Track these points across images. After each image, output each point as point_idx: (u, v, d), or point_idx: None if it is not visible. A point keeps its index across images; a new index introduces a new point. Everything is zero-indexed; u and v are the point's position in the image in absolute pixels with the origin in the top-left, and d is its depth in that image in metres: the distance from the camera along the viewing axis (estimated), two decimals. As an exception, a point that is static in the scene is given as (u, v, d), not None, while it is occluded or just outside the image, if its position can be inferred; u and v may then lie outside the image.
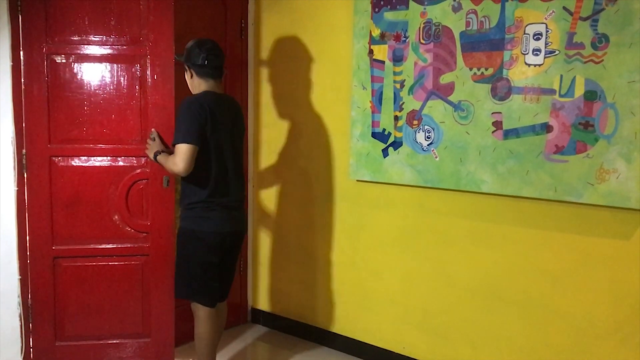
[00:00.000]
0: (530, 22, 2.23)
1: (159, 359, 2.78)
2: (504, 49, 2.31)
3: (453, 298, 2.61)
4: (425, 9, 2.53)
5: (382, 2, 2.67)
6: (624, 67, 2.02)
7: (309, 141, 3.13)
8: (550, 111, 2.21)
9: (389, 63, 2.68)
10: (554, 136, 2.21)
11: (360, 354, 2.98)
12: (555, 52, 2.18)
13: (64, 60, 2.59)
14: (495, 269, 2.46)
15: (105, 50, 2.61)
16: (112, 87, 2.63)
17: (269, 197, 3.37)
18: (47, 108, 2.58)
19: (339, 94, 2.94)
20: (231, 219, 2.41)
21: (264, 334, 3.37)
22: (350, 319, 3.03)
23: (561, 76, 2.17)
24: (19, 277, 2.64)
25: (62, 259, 2.67)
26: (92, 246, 2.69)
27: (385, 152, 2.73)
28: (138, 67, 2.64)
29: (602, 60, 2.07)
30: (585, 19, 2.10)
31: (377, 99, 2.73)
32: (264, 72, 3.32)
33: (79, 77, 2.61)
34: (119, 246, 2.71)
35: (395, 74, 2.66)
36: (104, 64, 2.62)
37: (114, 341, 2.76)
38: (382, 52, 2.69)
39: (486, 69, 2.37)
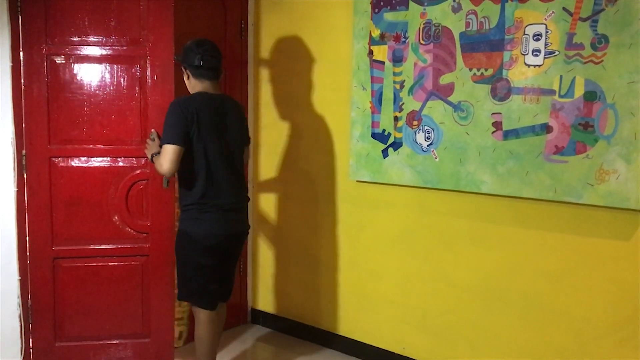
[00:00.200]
0: (530, 22, 2.23)
1: (158, 359, 2.79)
2: (504, 49, 2.31)
3: (453, 298, 2.61)
4: (425, 9, 2.53)
5: (382, 3, 2.67)
6: (623, 67, 2.02)
7: (308, 142, 3.13)
8: (550, 112, 2.21)
9: (388, 64, 2.68)
10: (554, 137, 2.21)
11: (360, 354, 2.98)
12: (555, 52, 2.18)
13: (63, 61, 2.59)
14: (495, 269, 2.46)
15: (105, 51, 2.61)
16: (111, 88, 2.63)
17: (268, 198, 3.37)
18: (46, 109, 2.58)
19: (339, 95, 2.94)
20: (227, 221, 2.38)
21: (264, 334, 3.37)
22: (350, 320, 3.03)
23: (561, 77, 2.17)
24: (19, 277, 2.64)
25: (61, 259, 2.66)
26: (92, 247, 2.69)
27: (385, 153, 2.73)
28: (138, 68, 2.64)
29: (602, 60, 2.07)
30: (585, 20, 2.10)
31: (377, 99, 2.73)
32: (264, 73, 3.32)
33: (78, 77, 2.61)
34: (119, 247, 2.71)
35: (395, 74, 2.66)
36: (103, 64, 2.62)
37: (114, 341, 2.75)
38: (381, 52, 2.70)
39: (486, 70, 2.37)
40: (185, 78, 2.44)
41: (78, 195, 2.65)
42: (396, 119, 2.68)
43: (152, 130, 2.58)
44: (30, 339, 2.68)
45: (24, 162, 2.59)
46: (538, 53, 2.22)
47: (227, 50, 3.13)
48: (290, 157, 3.23)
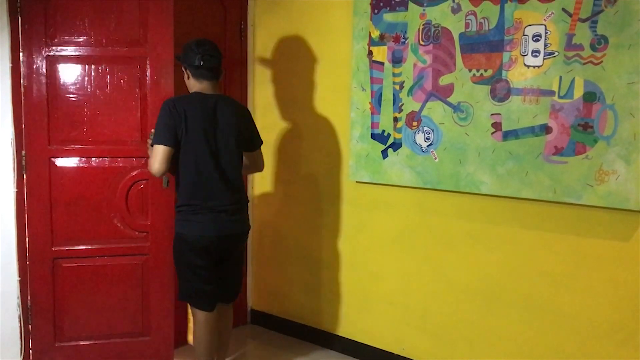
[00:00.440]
0: (529, 23, 2.24)
1: (158, 357, 2.79)
2: (503, 50, 2.31)
3: (452, 299, 2.61)
4: (424, 10, 2.53)
5: (381, 4, 2.67)
6: (623, 68, 2.03)
7: (308, 142, 3.13)
8: (550, 112, 2.21)
9: (388, 64, 2.68)
10: (553, 137, 2.21)
11: (359, 355, 2.98)
12: (554, 53, 2.18)
13: (63, 61, 2.59)
14: (495, 270, 2.46)
15: (104, 51, 2.61)
16: (111, 88, 2.63)
17: (268, 198, 3.37)
18: (46, 109, 2.58)
19: (339, 95, 2.94)
20: (219, 222, 2.34)
21: (264, 335, 3.37)
22: (349, 320, 3.03)
23: (560, 77, 2.17)
24: (19, 278, 2.63)
25: (61, 259, 2.67)
26: (91, 247, 2.69)
27: (384, 154, 2.73)
28: (138, 68, 2.64)
29: (601, 61, 2.07)
30: (584, 21, 2.10)
31: (377, 100, 2.73)
32: (264, 73, 3.32)
33: (78, 78, 2.61)
34: (119, 246, 2.71)
35: (394, 75, 2.66)
36: (103, 65, 2.62)
37: (114, 340, 2.76)
38: (381, 53, 2.70)
39: (485, 71, 2.37)
40: (185, 78, 2.44)
41: (78, 195, 2.65)
42: (396, 119, 2.68)
43: (152, 130, 2.58)
44: (30, 340, 2.68)
45: (23, 163, 2.60)
46: (537, 54, 2.22)
47: (226, 50, 3.13)
48: (290, 158, 3.23)
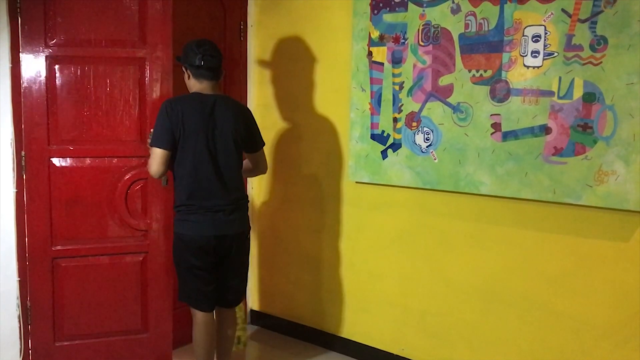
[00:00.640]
0: (529, 24, 2.24)
1: (156, 354, 2.79)
2: (503, 50, 2.31)
3: (452, 300, 2.61)
4: (424, 11, 2.54)
5: (381, 4, 2.67)
6: (622, 69, 2.03)
7: (307, 143, 3.13)
8: (549, 113, 2.21)
9: (388, 65, 2.68)
10: (553, 138, 2.21)
11: (359, 355, 2.98)
12: (553, 54, 2.18)
13: (63, 62, 2.58)
14: (494, 270, 2.46)
15: (104, 51, 2.61)
16: (111, 88, 2.63)
17: (268, 199, 3.37)
18: (46, 109, 2.58)
19: (338, 96, 2.94)
20: (216, 223, 2.33)
21: (263, 335, 3.37)
22: (348, 321, 3.03)
23: (560, 78, 2.17)
24: (18, 278, 2.63)
25: (61, 259, 2.66)
26: (91, 246, 2.69)
27: (384, 154, 2.73)
28: (137, 68, 2.64)
29: (601, 62, 2.07)
30: (583, 21, 2.10)
31: (376, 100, 2.74)
32: (263, 74, 3.32)
33: (78, 78, 2.60)
34: (118, 245, 2.71)
35: (394, 75, 2.66)
36: (103, 65, 2.62)
37: (113, 338, 2.75)
38: (381, 54, 2.70)
39: (485, 71, 2.37)
40: (186, 78, 2.44)
41: (77, 195, 2.64)
42: (395, 120, 2.68)
43: (152, 130, 2.58)
44: (30, 340, 2.68)
45: (23, 163, 2.59)
46: (537, 54, 2.23)
47: (226, 51, 3.13)
48: (290, 158, 3.23)
